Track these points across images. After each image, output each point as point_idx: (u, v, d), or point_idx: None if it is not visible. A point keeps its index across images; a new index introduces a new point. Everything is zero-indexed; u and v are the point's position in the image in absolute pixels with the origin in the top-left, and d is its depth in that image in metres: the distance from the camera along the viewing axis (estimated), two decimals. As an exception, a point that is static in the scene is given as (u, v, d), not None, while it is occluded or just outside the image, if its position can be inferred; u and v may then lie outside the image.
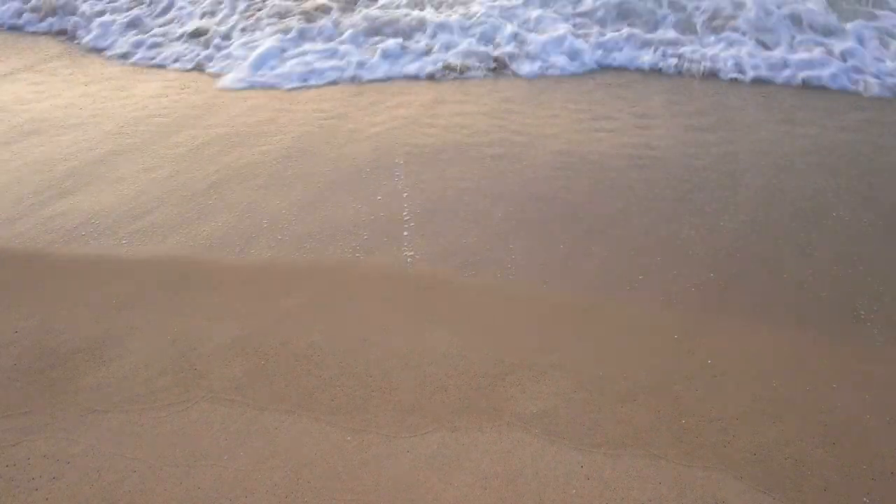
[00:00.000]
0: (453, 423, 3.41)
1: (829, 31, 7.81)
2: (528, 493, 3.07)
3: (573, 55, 7.84)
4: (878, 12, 8.09)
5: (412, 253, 4.66)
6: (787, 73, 7.40)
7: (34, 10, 9.73)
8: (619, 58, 7.85)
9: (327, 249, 4.70)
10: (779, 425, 3.39)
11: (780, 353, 3.83)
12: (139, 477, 3.14)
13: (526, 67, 7.69)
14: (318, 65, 7.78)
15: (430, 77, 7.58)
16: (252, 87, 7.49)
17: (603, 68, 7.73)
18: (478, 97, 7.09)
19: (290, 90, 7.42)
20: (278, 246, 4.71)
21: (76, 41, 8.92)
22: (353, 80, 7.59)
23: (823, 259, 4.56)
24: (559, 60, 7.75)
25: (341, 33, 8.31)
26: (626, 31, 8.05)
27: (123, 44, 8.67)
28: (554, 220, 4.99)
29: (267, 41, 8.14)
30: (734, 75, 7.46)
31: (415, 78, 7.61)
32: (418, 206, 5.20)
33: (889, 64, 7.31)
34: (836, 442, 3.31)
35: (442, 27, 8.27)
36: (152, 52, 8.46)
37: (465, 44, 8.02)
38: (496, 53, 7.92)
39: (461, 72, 7.65)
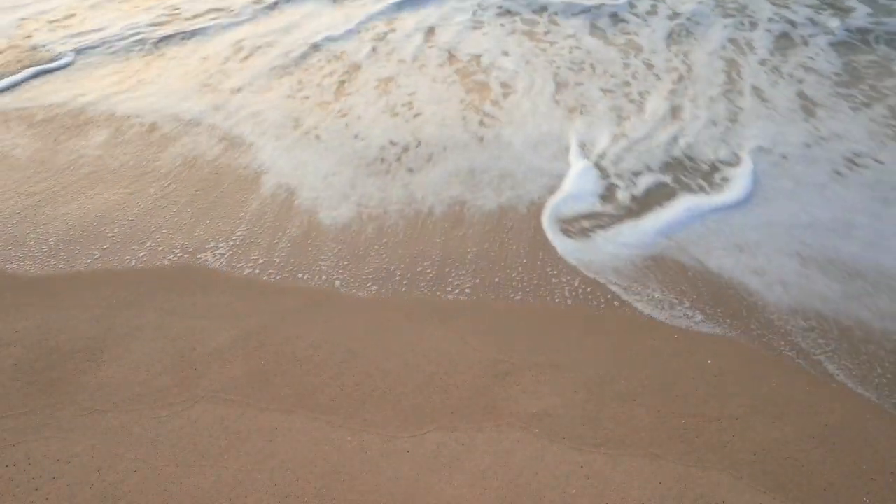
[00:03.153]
0: (453, 423, 3.41)
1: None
2: (528, 493, 3.07)
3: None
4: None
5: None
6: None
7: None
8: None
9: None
10: (779, 425, 3.39)
11: (780, 353, 3.83)
12: (139, 477, 3.14)
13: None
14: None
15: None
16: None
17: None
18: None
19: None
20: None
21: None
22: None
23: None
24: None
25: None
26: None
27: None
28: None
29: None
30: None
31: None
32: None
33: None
34: (836, 442, 3.31)
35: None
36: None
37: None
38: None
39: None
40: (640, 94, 6.58)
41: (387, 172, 5.50)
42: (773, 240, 4.61)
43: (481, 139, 5.89)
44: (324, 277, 4.42)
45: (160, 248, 4.67)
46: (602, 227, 4.81)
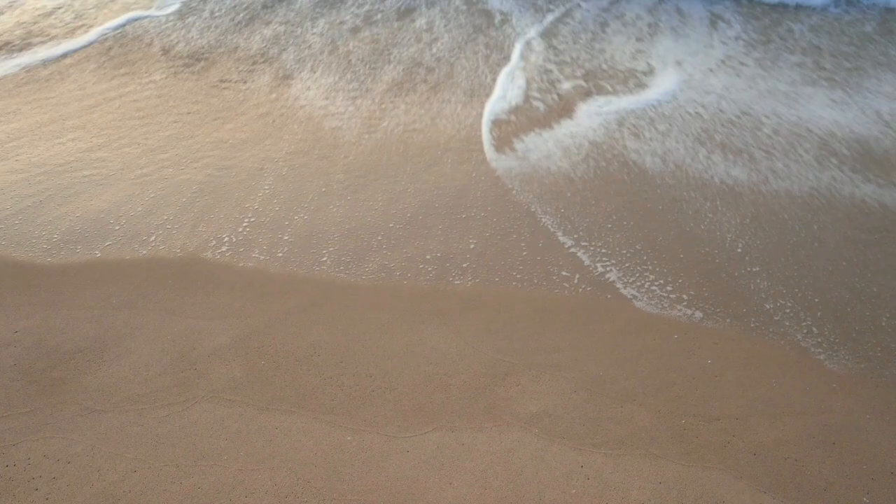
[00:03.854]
0: (453, 423, 3.41)
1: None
2: (528, 493, 3.07)
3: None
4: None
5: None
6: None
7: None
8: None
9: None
10: (779, 425, 3.39)
11: (780, 354, 3.83)
12: (139, 477, 3.14)
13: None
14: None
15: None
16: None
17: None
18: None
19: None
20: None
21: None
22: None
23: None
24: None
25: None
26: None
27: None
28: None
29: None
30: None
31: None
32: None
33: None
34: (836, 442, 3.31)
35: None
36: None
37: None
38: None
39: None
40: (581, 17, 8.24)
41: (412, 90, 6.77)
42: (679, 129, 6.04)
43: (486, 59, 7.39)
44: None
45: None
46: (529, 130, 6.03)
